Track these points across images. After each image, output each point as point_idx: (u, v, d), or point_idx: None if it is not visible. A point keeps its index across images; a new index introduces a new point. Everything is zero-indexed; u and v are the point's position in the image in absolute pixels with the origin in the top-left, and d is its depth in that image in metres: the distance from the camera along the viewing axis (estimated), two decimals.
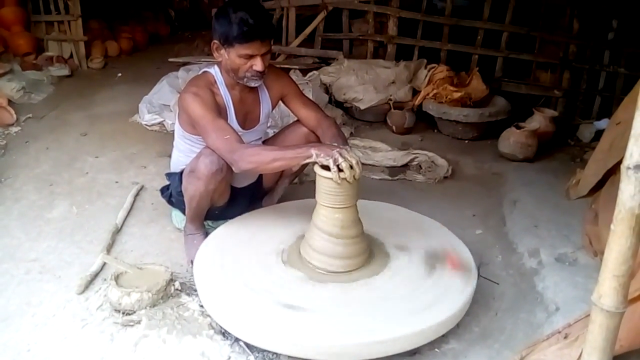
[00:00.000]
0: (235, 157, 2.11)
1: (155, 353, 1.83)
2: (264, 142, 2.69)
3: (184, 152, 2.45)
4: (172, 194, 2.56)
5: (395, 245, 2.26)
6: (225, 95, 2.35)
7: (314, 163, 2.02)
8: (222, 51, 2.25)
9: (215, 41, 2.24)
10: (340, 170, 1.94)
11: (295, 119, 2.58)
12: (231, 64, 2.24)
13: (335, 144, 2.11)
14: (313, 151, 1.99)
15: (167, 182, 2.63)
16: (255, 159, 2.11)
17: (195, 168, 2.23)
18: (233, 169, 2.17)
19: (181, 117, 2.39)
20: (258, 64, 2.21)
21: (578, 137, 4.21)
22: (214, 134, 2.17)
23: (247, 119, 2.45)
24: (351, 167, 1.94)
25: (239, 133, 2.36)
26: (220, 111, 2.27)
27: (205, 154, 2.21)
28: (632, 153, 1.12)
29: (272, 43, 2.25)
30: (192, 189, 2.30)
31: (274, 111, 3.78)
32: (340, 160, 1.94)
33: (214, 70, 2.37)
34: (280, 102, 2.57)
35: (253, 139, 2.50)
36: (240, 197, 2.54)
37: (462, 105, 4.23)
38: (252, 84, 2.30)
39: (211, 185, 2.24)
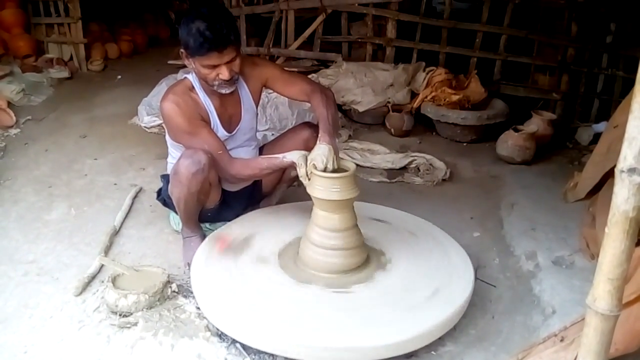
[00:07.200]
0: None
1: (151, 355, 1.83)
2: (263, 147, 2.68)
3: (177, 158, 2.43)
4: (165, 197, 2.54)
5: (392, 249, 2.26)
6: (206, 102, 2.30)
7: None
8: (190, 59, 2.18)
9: (182, 50, 2.17)
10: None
11: (293, 125, 2.56)
12: (198, 73, 2.20)
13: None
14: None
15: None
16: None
17: (177, 170, 2.21)
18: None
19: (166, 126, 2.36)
20: (224, 73, 2.14)
21: (576, 140, 4.20)
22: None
23: (232, 121, 2.40)
24: None
25: (226, 138, 2.35)
26: (202, 116, 2.26)
27: (185, 156, 2.19)
28: (626, 156, 1.12)
29: (237, 49, 2.16)
30: (176, 192, 2.28)
31: (271, 113, 3.81)
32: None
33: (192, 77, 2.31)
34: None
35: (244, 138, 2.47)
36: (235, 201, 2.53)
37: (460, 108, 4.23)
38: (224, 91, 2.23)
39: (193, 186, 2.20)
